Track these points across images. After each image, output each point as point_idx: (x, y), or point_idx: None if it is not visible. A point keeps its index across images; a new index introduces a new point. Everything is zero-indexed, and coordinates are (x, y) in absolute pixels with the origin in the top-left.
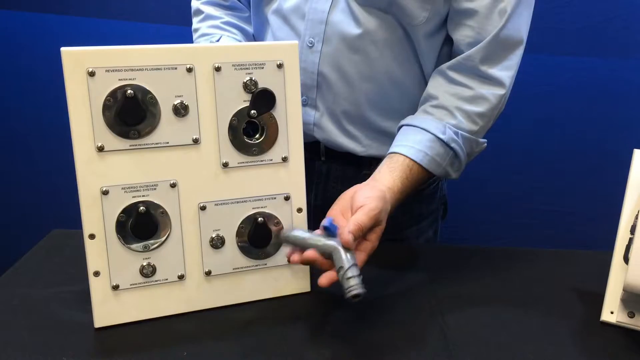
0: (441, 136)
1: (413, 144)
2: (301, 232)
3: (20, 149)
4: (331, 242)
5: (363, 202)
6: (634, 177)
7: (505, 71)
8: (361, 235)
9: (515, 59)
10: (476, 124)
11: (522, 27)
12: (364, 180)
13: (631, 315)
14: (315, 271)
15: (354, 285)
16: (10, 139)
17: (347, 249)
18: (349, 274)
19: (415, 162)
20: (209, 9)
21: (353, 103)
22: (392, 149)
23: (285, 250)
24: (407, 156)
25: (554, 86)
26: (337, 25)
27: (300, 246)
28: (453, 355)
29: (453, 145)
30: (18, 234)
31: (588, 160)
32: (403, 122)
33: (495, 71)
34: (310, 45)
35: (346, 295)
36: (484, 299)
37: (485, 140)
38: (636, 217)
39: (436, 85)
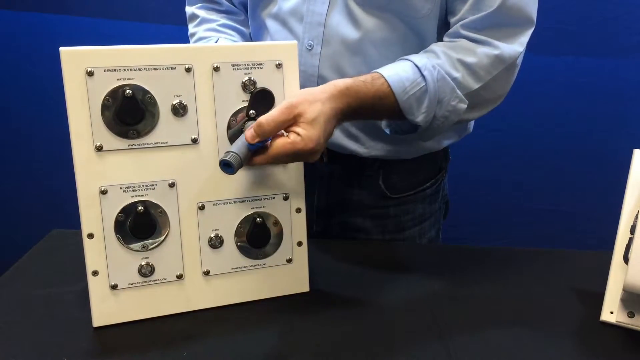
0: (418, 63)
1: (390, 66)
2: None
3: (20, 149)
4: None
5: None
6: (634, 177)
7: (505, 42)
8: (264, 130)
9: (516, 32)
10: (457, 70)
11: (526, 4)
12: (367, 181)
13: (631, 315)
14: (315, 272)
15: (224, 154)
16: (10, 138)
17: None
18: (232, 147)
19: (381, 75)
20: (204, 13)
21: None
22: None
23: (283, 250)
24: (378, 72)
25: (554, 86)
26: (335, 27)
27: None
28: (452, 355)
29: (425, 73)
30: (18, 234)
31: (588, 160)
32: None
33: (491, 38)
34: (309, 47)
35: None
36: (483, 299)
37: (464, 100)
38: (636, 217)
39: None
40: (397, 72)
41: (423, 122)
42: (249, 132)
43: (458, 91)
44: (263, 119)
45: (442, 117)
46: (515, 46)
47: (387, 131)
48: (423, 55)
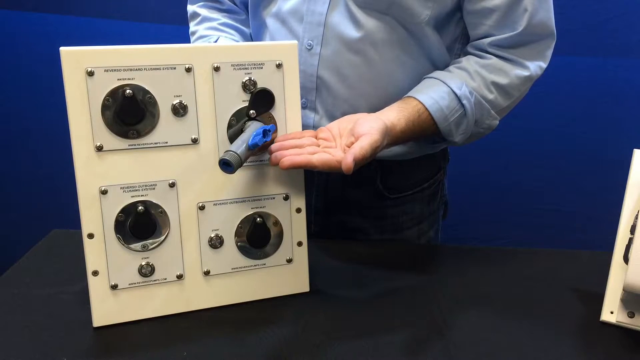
0: (456, 91)
1: (429, 92)
2: (235, 147)
3: (20, 149)
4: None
5: (367, 131)
6: (634, 177)
7: (533, 60)
8: (360, 164)
9: (543, 48)
10: (491, 92)
11: (548, 19)
12: (365, 181)
13: (631, 315)
14: (315, 272)
15: (223, 153)
16: (10, 139)
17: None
18: (232, 147)
19: (426, 108)
20: (205, 12)
21: (353, 105)
22: (408, 94)
23: (283, 250)
24: (420, 101)
25: (554, 86)
26: (335, 27)
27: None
28: (453, 356)
29: (464, 102)
30: (18, 234)
31: (588, 160)
32: (427, 75)
33: (520, 57)
34: (309, 47)
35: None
36: (484, 299)
37: (497, 117)
38: (636, 217)
39: (464, 56)
40: (437, 101)
41: (461, 142)
42: (350, 163)
43: (492, 112)
44: (364, 155)
45: (477, 133)
46: (541, 62)
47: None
48: (457, 77)
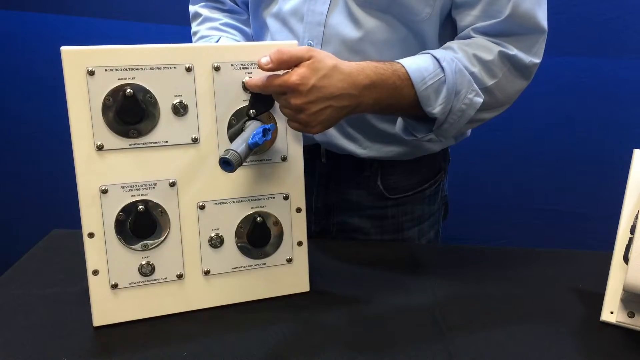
0: (437, 55)
1: (409, 57)
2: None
3: (20, 149)
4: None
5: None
6: (634, 177)
7: (521, 50)
8: (280, 58)
9: (531, 42)
10: (473, 65)
11: (534, 11)
12: (366, 181)
13: (631, 315)
14: (315, 272)
15: (223, 152)
16: (11, 138)
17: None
18: (232, 146)
19: (402, 65)
20: (207, 12)
21: None
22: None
23: (283, 250)
24: (398, 61)
25: (554, 86)
26: (336, 27)
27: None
28: (453, 355)
29: (444, 64)
30: (18, 234)
31: (588, 160)
32: None
33: (505, 42)
34: None
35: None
36: (484, 299)
37: (480, 95)
38: (636, 217)
39: None
40: (417, 62)
41: (440, 114)
42: (264, 57)
43: (474, 85)
44: (284, 48)
45: (458, 110)
46: (532, 56)
47: (404, 135)
48: (441, 49)
